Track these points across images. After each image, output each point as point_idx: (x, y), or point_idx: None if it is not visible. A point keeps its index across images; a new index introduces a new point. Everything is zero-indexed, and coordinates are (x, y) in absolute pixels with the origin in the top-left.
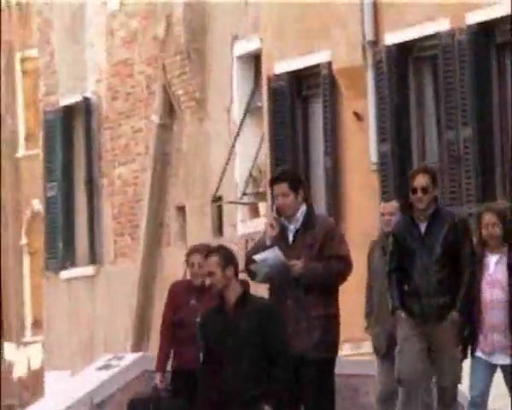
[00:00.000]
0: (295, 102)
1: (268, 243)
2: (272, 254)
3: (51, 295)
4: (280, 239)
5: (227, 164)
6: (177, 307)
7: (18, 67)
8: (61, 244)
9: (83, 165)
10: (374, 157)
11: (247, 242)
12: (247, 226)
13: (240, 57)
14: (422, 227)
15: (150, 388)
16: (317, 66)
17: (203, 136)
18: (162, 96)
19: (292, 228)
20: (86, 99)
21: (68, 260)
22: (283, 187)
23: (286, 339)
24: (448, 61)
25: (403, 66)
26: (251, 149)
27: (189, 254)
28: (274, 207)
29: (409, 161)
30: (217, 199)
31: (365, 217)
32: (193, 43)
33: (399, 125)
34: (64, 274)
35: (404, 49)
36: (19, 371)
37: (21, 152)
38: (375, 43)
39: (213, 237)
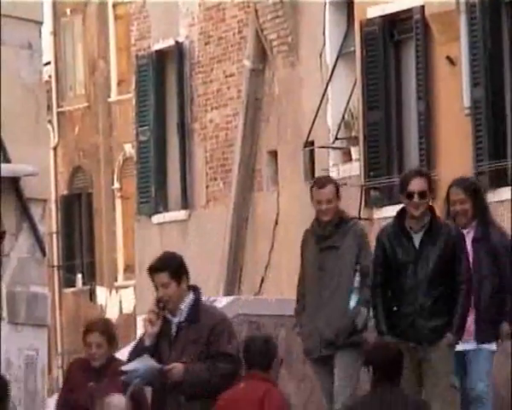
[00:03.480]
0: (388, 47)
1: (147, 343)
2: (143, 364)
3: (143, 240)
4: (162, 335)
5: (319, 108)
6: (74, 387)
7: (110, 12)
8: (154, 188)
9: (175, 109)
10: (467, 102)
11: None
12: (339, 171)
13: (332, 1)
14: (416, 239)
15: None
16: (410, 10)
17: (295, 80)
18: (254, 40)
19: (175, 321)
20: (178, 43)
21: (160, 204)
22: (163, 277)
23: None
24: None
25: (496, 10)
26: (343, 93)
27: (84, 333)
28: (154, 300)
29: (502, 106)
30: (309, 144)
31: (458, 162)
32: None
33: (492, 70)
34: (156, 218)
35: None
36: (111, 315)
37: (114, 97)
38: None
39: (305, 182)
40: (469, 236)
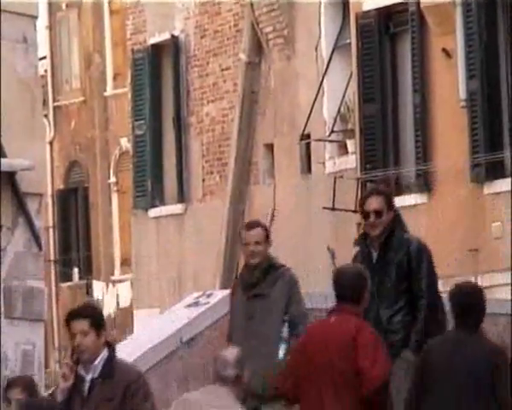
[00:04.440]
0: (383, 39)
1: (59, 397)
2: None
3: (140, 234)
4: (74, 392)
5: (315, 101)
6: None
7: (106, 6)
8: (150, 182)
9: (171, 103)
10: (462, 94)
11: (335, 179)
12: (335, 163)
13: None
14: (375, 255)
15: None
16: (406, 3)
17: (291, 73)
18: (250, 33)
19: (88, 378)
20: (174, 37)
21: (157, 198)
22: (84, 324)
23: None
24: None
25: (492, 2)
26: (339, 86)
27: (6, 389)
28: (69, 352)
29: (497, 98)
30: (305, 136)
31: (454, 154)
32: None
33: (488, 62)
34: (153, 212)
35: None
36: (108, 310)
37: (110, 91)
38: None
39: (301, 175)
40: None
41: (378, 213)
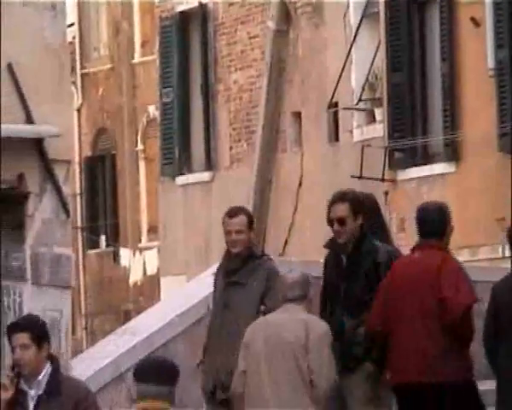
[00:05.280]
0: (412, 8)
1: None
2: None
3: (167, 201)
4: (17, 407)
5: (343, 70)
6: None
7: None
8: (177, 150)
9: (199, 71)
10: (491, 63)
11: (362, 148)
12: (362, 132)
13: None
14: (345, 261)
15: None
16: None
17: (319, 42)
18: (278, 1)
19: (32, 394)
20: (202, 5)
21: (184, 165)
22: (24, 337)
23: None
24: None
25: None
26: (367, 54)
27: None
28: (10, 364)
29: None
30: (333, 105)
31: (482, 123)
32: None
33: None
34: (180, 180)
35: None
36: (135, 277)
37: (137, 58)
38: None
39: (329, 143)
40: None
41: (341, 221)
